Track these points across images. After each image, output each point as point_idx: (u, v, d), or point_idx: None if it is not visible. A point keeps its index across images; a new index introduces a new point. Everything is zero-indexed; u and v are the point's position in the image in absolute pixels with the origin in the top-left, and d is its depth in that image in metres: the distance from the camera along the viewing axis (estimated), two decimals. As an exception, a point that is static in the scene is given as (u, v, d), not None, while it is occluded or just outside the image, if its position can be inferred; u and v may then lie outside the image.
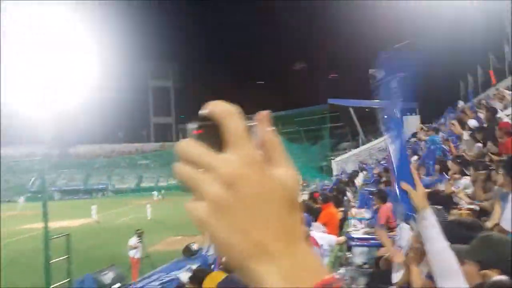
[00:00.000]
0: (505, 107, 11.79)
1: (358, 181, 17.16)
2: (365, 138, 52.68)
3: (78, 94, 70.90)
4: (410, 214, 2.17)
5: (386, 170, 11.66)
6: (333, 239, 5.15)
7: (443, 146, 10.56)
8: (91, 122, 78.20)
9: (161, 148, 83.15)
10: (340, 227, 6.10)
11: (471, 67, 35.66)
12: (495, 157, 6.57)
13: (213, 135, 0.47)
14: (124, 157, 77.04)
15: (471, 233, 2.57)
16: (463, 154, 8.20)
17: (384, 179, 9.60)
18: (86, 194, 62.83)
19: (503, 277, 1.96)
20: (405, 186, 2.17)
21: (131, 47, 78.47)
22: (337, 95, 59.49)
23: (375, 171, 16.96)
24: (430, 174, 8.01)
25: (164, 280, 12.52)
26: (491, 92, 25.09)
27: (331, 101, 57.20)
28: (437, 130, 15.05)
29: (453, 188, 5.88)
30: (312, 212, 5.55)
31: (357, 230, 6.63)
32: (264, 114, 0.51)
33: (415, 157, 12.40)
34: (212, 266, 6.88)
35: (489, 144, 7.31)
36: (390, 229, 5.41)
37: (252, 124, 0.49)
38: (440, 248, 2.08)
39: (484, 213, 4.94)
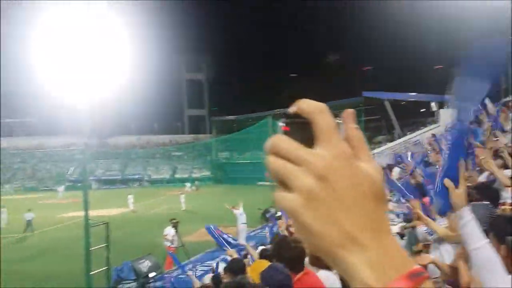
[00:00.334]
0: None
1: (394, 175, 16.84)
2: (401, 131, 51.53)
3: (116, 87, 72.66)
4: (446, 210, 2.15)
5: (426, 164, 11.40)
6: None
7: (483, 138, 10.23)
8: (128, 114, 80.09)
9: (194, 140, 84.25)
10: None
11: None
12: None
13: (300, 132, 0.50)
14: (159, 148, 78.51)
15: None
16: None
17: (420, 173, 9.39)
18: (122, 184, 64.47)
19: None
20: (448, 183, 2.16)
21: (166, 41, 79.61)
22: (372, 87, 58.39)
23: (412, 165, 16.57)
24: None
25: (198, 270, 12.74)
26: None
27: (366, 94, 56.14)
28: (480, 122, 14.47)
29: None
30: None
31: (394, 224, 6.54)
32: (350, 112, 0.54)
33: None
34: (248, 256, 6.94)
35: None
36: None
37: (338, 121, 0.52)
38: (478, 246, 2.08)
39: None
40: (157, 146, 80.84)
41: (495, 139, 8.52)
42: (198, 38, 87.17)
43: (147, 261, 11.03)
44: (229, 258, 10.60)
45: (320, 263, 3.20)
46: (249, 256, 6.55)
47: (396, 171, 16.30)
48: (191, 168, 72.48)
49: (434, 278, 3.13)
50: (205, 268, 12.73)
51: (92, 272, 10.86)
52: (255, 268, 3.07)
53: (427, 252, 4.21)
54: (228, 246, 7.32)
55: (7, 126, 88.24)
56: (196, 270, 12.82)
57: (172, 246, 15.13)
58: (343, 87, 68.29)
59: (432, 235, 4.39)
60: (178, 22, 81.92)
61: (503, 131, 10.04)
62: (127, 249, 15.53)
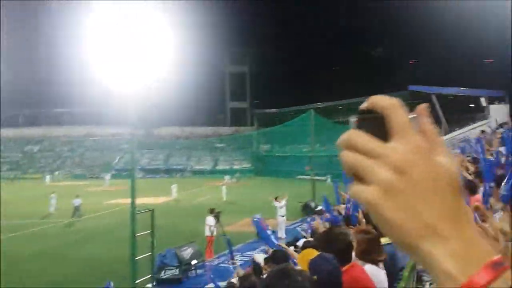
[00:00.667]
0: None
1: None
2: (448, 127, 49.73)
3: (161, 78, 74.23)
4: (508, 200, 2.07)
5: (475, 160, 10.98)
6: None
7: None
8: (172, 105, 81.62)
9: (236, 132, 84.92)
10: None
11: None
12: None
13: (373, 127, 0.52)
14: (201, 140, 79.76)
15: None
16: None
17: (472, 169, 9.03)
18: (166, 173, 66.02)
19: None
20: None
21: (210, 34, 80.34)
22: (419, 81, 56.56)
23: (463, 162, 15.99)
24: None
25: (238, 260, 12.89)
26: None
27: (412, 87, 54.50)
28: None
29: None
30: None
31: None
32: (423, 106, 0.55)
33: (502, 148, 11.58)
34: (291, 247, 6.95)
35: None
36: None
37: (412, 116, 0.53)
38: None
39: None
40: (200, 137, 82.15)
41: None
42: (242, 31, 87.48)
43: (190, 248, 11.27)
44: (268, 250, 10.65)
45: (367, 257, 3.15)
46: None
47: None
48: (232, 160, 73.19)
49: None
50: (245, 258, 12.86)
51: (137, 258, 11.19)
52: (304, 256, 3.07)
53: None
54: (270, 242, 7.32)
55: (57, 116, 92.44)
56: (236, 260, 13.00)
57: (211, 236, 15.37)
58: (389, 80, 66.46)
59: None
60: (223, 15, 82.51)
61: None
62: (170, 237, 15.90)
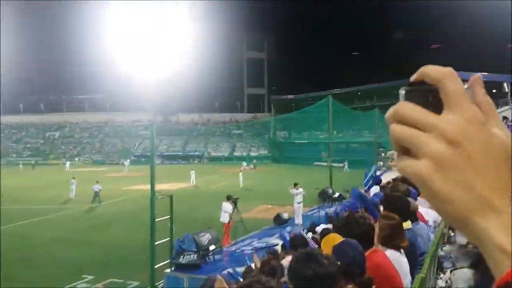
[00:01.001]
0: None
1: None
2: (470, 113, 48.74)
3: (179, 66, 74.47)
4: None
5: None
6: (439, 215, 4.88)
7: None
8: (190, 92, 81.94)
9: (253, 118, 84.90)
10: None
11: None
12: None
13: (424, 99, 0.50)
14: (219, 126, 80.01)
15: None
16: None
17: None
18: (184, 160, 66.54)
19: None
20: None
21: (228, 20, 80.00)
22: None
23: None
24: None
25: (255, 246, 12.94)
26: None
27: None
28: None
29: None
30: (416, 187, 5.31)
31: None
32: (477, 77, 0.52)
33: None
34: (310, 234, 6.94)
35: None
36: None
37: (467, 86, 0.51)
38: None
39: None
40: (217, 124, 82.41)
41: None
42: (259, 17, 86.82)
43: (208, 234, 11.32)
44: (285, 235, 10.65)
45: (389, 243, 3.10)
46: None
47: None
48: (250, 146, 73.31)
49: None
50: (262, 244, 12.90)
51: (157, 243, 11.33)
52: (327, 241, 3.03)
53: None
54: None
55: (78, 102, 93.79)
56: (254, 245, 13.06)
57: (230, 222, 15.46)
58: (409, 66, 65.20)
59: None
60: (240, 1, 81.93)
61: None
62: (187, 222, 16.05)
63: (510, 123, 21.33)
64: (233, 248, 12.88)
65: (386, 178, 14.67)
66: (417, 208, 4.14)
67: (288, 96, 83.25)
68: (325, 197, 20.57)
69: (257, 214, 21.14)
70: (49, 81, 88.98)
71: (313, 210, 19.09)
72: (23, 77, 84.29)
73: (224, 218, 15.51)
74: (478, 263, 4.38)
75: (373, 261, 2.72)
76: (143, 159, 61.15)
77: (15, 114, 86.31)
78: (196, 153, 70.64)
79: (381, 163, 36.85)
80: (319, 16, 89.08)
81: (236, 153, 70.51)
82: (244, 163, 52.57)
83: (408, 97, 0.51)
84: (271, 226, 16.33)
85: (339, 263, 2.06)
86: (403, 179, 7.10)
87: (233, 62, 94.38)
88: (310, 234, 6.96)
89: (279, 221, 16.42)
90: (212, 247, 11.19)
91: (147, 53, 71.54)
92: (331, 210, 16.62)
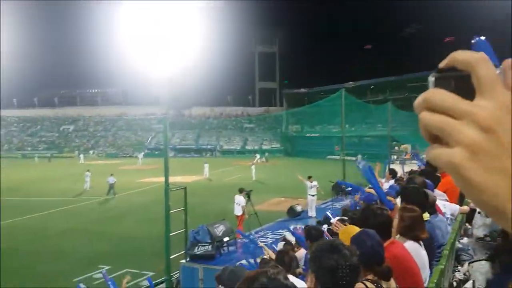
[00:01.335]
0: None
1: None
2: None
3: (192, 59, 74.63)
4: None
5: None
6: (457, 208, 4.88)
7: None
8: (202, 86, 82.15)
9: (265, 112, 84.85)
10: (461, 197, 5.73)
11: None
12: None
13: (454, 86, 0.48)
14: (231, 120, 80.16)
15: None
16: None
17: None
18: (196, 153, 66.86)
19: None
20: None
21: (239, 14, 79.81)
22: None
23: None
24: None
25: (269, 238, 13.01)
26: None
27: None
28: None
29: None
30: (433, 180, 5.30)
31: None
32: (510, 61, 0.50)
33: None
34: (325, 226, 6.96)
35: None
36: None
37: (499, 71, 0.49)
38: None
39: None
40: (229, 117, 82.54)
41: None
42: (271, 11, 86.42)
43: (222, 225, 11.43)
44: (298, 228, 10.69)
45: (409, 233, 3.12)
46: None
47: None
48: (262, 140, 73.36)
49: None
50: (276, 236, 12.96)
51: (172, 234, 11.48)
52: (345, 232, 3.06)
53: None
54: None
55: (92, 96, 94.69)
56: (267, 238, 13.14)
57: (243, 214, 15.56)
58: (423, 59, 64.45)
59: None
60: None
61: None
62: (201, 214, 16.20)
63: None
64: (247, 240, 12.98)
65: (400, 171, 14.60)
66: (435, 200, 4.14)
67: (300, 90, 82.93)
68: (338, 190, 20.55)
69: (270, 206, 21.21)
70: (63, 75, 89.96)
71: (326, 203, 19.10)
72: (38, 72, 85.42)
73: (237, 210, 15.62)
74: (496, 255, 4.38)
75: (391, 252, 2.74)
76: (156, 152, 61.59)
77: (30, 108, 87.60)
78: (209, 147, 70.92)
79: (395, 156, 36.62)
80: (332, 9, 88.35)
81: (248, 147, 70.62)
82: (257, 155, 52.68)
83: (438, 84, 0.50)
84: (285, 219, 16.40)
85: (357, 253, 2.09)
86: (420, 172, 7.06)
87: (245, 56, 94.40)
88: (325, 226, 6.99)
89: (293, 214, 16.48)
90: (226, 239, 11.30)
91: (159, 47, 71.88)
92: (344, 203, 16.63)
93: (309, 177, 18.15)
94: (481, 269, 3.81)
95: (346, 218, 5.91)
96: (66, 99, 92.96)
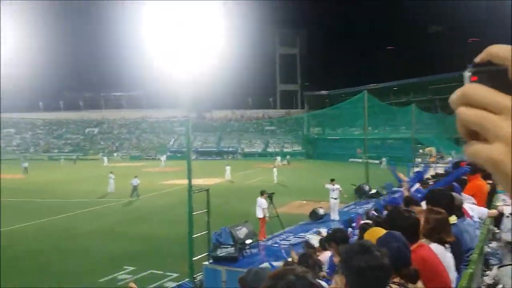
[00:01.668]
0: None
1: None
2: None
3: (213, 62, 75.07)
4: None
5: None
6: (485, 211, 4.80)
7: None
8: (224, 88, 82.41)
9: (286, 114, 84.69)
10: (489, 201, 5.62)
11: None
12: None
13: (492, 81, 0.48)
14: (252, 123, 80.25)
15: None
16: None
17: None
18: (218, 155, 67.16)
19: None
20: None
21: (260, 15, 79.91)
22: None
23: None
24: None
25: (291, 241, 13.00)
26: None
27: (471, 67, 51.62)
28: None
29: None
30: (461, 183, 5.22)
31: (507, 205, 6.05)
32: None
33: None
34: (350, 229, 6.92)
35: None
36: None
37: None
38: None
39: None
40: (250, 120, 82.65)
41: None
42: (292, 12, 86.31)
43: (244, 228, 11.48)
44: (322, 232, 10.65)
45: (434, 236, 3.09)
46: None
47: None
48: (283, 142, 73.23)
49: None
50: (298, 240, 12.94)
51: (194, 236, 11.59)
52: (371, 234, 3.06)
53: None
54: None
55: (116, 99, 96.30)
56: (289, 241, 13.12)
57: (263, 217, 15.57)
58: (447, 60, 63.35)
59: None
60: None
61: None
62: (223, 216, 16.28)
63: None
64: (269, 243, 12.99)
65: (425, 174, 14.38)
66: (462, 203, 4.08)
67: (321, 92, 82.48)
68: (361, 193, 20.38)
69: (292, 209, 21.17)
70: (88, 78, 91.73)
71: (349, 206, 18.96)
72: (63, 76, 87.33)
73: (259, 213, 15.65)
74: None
75: (418, 254, 2.72)
76: (178, 155, 62.15)
77: (56, 111, 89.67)
78: (230, 149, 71.16)
79: (420, 159, 36.06)
80: (353, 10, 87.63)
81: (270, 149, 70.59)
82: (279, 158, 52.62)
83: (474, 79, 0.49)
84: (307, 222, 16.34)
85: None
86: (446, 175, 6.96)
87: (266, 59, 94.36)
88: (349, 230, 6.95)
89: (315, 217, 16.40)
90: (248, 241, 11.35)
91: (181, 50, 72.47)
92: (367, 206, 16.48)
93: (332, 180, 18.04)
94: (510, 274, 3.74)
95: (370, 222, 5.88)
96: (91, 102, 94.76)
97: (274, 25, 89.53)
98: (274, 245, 12.49)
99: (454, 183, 4.78)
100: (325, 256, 6.46)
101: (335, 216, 16.84)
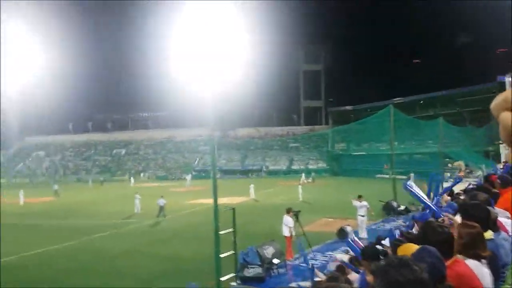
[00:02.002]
0: None
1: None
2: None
3: (237, 79, 75.77)
4: None
5: None
6: (521, 226, 4.61)
7: None
8: (247, 106, 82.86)
9: (310, 131, 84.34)
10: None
11: None
12: None
13: None
14: (276, 140, 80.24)
15: None
16: None
17: None
18: (242, 174, 67.22)
19: None
20: None
21: (284, 33, 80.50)
22: (508, 71, 52.25)
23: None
24: None
25: (319, 259, 12.78)
26: None
27: (501, 78, 50.50)
28: None
29: None
30: (494, 197, 5.04)
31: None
32: None
33: None
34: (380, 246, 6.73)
35: None
36: None
37: None
38: None
39: None
40: (274, 137, 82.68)
41: None
42: (316, 29, 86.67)
43: (271, 247, 11.37)
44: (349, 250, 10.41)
45: (469, 251, 2.97)
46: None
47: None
48: (307, 159, 72.80)
49: None
50: (326, 259, 12.72)
51: (222, 255, 11.48)
52: (404, 250, 2.97)
53: None
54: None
55: (143, 120, 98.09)
56: (317, 260, 12.90)
57: (292, 235, 15.37)
58: (475, 71, 62.10)
59: None
60: (296, 13, 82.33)
61: None
62: (249, 235, 16.16)
63: None
64: (297, 262, 12.81)
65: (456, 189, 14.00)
66: (497, 217, 3.93)
67: (346, 107, 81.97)
68: (389, 210, 19.98)
69: (318, 227, 20.86)
70: (115, 100, 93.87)
71: (377, 223, 18.58)
72: (92, 98, 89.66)
73: (286, 231, 15.45)
74: None
75: (454, 270, 2.62)
76: (203, 174, 62.54)
77: (84, 133, 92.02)
78: (254, 167, 71.17)
79: (449, 174, 35.19)
80: (378, 25, 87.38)
81: (294, 166, 70.25)
82: (303, 175, 52.25)
83: None
84: (334, 240, 16.08)
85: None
86: (477, 188, 6.74)
87: (290, 75, 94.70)
88: (379, 247, 6.76)
89: (342, 235, 16.11)
90: (276, 261, 11.20)
91: (205, 69, 73.42)
92: (396, 223, 16.09)
93: (359, 196, 17.75)
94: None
95: (401, 239, 5.71)
96: (119, 123, 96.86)
97: (299, 42, 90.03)
98: (302, 264, 12.31)
99: (487, 195, 4.61)
100: (354, 277, 6.30)
101: (363, 234, 16.50)
